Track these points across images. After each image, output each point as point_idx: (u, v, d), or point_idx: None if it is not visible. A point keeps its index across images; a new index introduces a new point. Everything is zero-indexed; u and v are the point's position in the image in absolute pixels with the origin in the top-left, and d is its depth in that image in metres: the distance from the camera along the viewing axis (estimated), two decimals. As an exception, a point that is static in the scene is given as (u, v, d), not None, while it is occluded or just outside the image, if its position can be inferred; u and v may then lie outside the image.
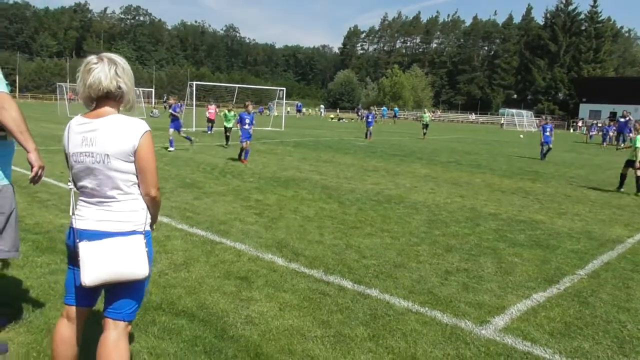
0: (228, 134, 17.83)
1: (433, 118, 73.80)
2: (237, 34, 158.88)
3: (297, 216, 7.19)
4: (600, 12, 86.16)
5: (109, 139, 2.29)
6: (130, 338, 3.23)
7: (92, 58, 2.34)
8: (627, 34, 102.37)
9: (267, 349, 3.30)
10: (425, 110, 32.37)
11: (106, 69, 2.30)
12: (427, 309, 4.12)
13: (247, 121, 13.30)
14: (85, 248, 2.30)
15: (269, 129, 30.13)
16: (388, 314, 3.96)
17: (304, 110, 68.85)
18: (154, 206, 2.48)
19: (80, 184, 2.40)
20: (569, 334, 3.80)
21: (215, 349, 3.26)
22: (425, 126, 29.21)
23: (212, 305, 3.93)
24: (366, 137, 25.72)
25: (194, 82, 29.13)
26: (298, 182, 10.29)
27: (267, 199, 8.38)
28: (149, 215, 2.45)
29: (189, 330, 3.49)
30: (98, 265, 2.28)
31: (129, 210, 2.36)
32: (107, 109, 2.36)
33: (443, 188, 10.63)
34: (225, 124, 18.07)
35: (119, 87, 2.33)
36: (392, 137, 29.16)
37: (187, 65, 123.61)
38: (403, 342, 3.51)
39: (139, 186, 2.39)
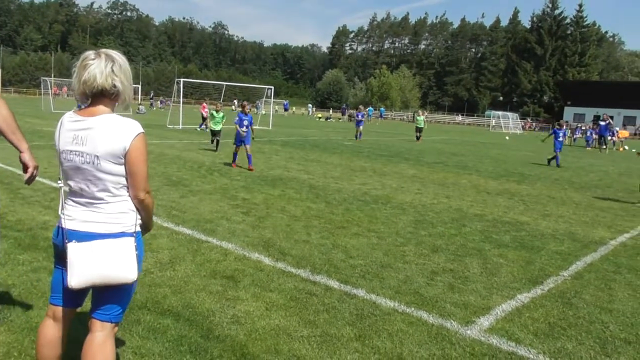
0: (218, 137, 15.52)
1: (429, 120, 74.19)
2: (226, 32, 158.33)
3: (284, 215, 7.18)
4: (586, 17, 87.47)
5: (100, 139, 2.22)
6: (115, 338, 3.20)
7: (90, 53, 2.27)
8: (611, 39, 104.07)
9: (253, 348, 3.29)
10: (420, 112, 29.11)
11: (102, 66, 2.23)
12: (413, 309, 4.13)
13: (246, 123, 11.97)
14: (73, 249, 2.25)
15: (257, 127, 30.00)
16: (374, 314, 3.97)
17: (293, 109, 68.88)
18: (143, 210, 2.40)
19: (69, 182, 2.34)
20: (553, 334, 3.85)
21: (201, 349, 3.24)
22: (420, 130, 27.26)
23: (197, 305, 3.90)
24: (356, 137, 25.12)
25: (182, 79, 28.91)
26: (285, 181, 10.27)
27: (254, 197, 8.35)
28: (138, 217, 2.39)
29: (174, 330, 3.46)
30: (86, 267, 2.23)
31: (117, 212, 2.30)
32: (101, 107, 2.28)
33: (429, 189, 10.69)
34: (212, 126, 15.65)
35: (114, 86, 2.26)
36: (379, 138, 29.24)
37: (175, 62, 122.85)
38: (389, 342, 3.52)
39: (128, 188, 2.33)
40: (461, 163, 16.85)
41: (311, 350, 3.33)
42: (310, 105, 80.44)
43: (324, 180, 10.87)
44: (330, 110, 65.26)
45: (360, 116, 25.69)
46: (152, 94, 68.06)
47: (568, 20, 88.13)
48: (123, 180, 2.29)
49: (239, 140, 12.02)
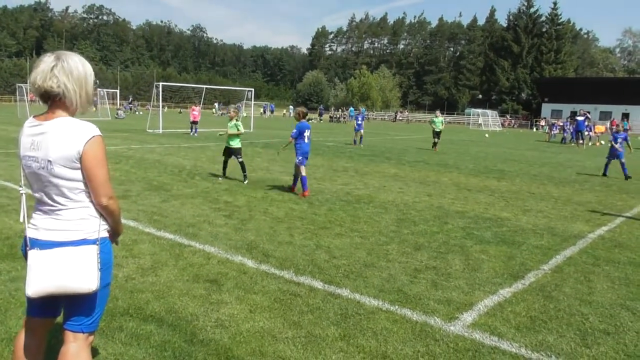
0: (238, 157, 10.33)
1: (447, 122, 74.34)
2: (204, 34, 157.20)
3: (267, 217, 7.16)
4: (560, 15, 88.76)
5: (52, 143, 2.12)
6: (96, 345, 3.16)
7: (46, 55, 2.18)
8: (585, 36, 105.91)
9: (238, 351, 3.27)
10: (438, 113, 23.30)
11: (44, 67, 2.12)
12: (397, 307, 4.16)
13: (307, 134, 9.32)
14: (32, 257, 2.18)
15: (238, 130, 29.86)
16: (359, 313, 3.99)
17: (274, 112, 68.88)
18: (109, 216, 2.30)
19: (32, 190, 2.27)
20: (534, 327, 3.90)
21: (185, 354, 3.21)
22: (437, 134, 21.87)
23: (181, 309, 3.87)
24: (355, 142, 22.35)
25: (160, 83, 28.62)
26: (267, 183, 10.25)
27: (236, 200, 8.31)
28: (102, 222, 2.29)
29: (158, 335, 3.43)
30: (42, 276, 2.15)
31: (77, 218, 2.21)
32: (57, 111, 2.19)
33: (411, 187, 10.76)
34: (230, 142, 10.39)
35: (56, 87, 2.13)
36: (361, 137, 29.30)
37: (153, 65, 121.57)
38: (374, 341, 3.53)
39: (89, 193, 2.23)
40: (442, 161, 16.99)
41: (296, 351, 3.33)
42: (291, 106, 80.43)
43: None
44: (319, 113, 65.16)
45: (360, 118, 22.73)
46: (130, 99, 67.30)
47: (543, 18, 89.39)
48: (81, 185, 2.20)
49: (303, 156, 9.26)
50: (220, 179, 10.37)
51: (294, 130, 9.25)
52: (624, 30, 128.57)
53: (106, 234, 2.32)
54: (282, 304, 4.09)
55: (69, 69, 2.15)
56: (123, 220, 2.48)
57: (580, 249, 6.34)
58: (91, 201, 2.24)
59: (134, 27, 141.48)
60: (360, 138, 22.36)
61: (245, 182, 9.97)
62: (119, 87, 68.10)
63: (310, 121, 51.12)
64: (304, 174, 9.11)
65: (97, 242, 2.24)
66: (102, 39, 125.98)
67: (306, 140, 9.26)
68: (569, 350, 3.56)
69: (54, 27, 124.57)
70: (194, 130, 23.97)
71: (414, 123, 70.33)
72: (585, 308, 4.35)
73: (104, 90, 43.38)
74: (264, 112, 67.79)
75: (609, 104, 64.58)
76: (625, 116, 64.54)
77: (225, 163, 10.68)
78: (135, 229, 6.16)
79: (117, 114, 40.72)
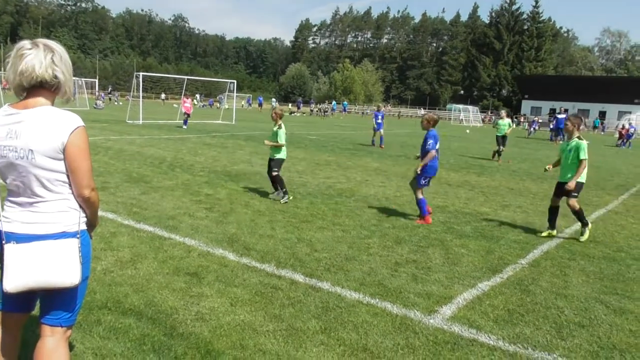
0: (274, 169, 8.16)
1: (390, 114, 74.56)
2: (186, 24, 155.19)
3: (248, 210, 7.13)
4: (542, 13, 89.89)
5: (35, 133, 2.07)
6: (73, 340, 3.11)
7: (26, 43, 2.11)
8: (565, 34, 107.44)
9: (218, 345, 3.26)
10: (504, 113, 18.21)
11: (41, 56, 2.08)
12: (377, 300, 4.19)
13: (438, 146, 7.35)
14: (10, 251, 2.11)
15: (220, 122, 29.67)
16: (339, 307, 4.00)
17: (259, 104, 68.27)
18: (89, 208, 2.27)
19: (6, 181, 2.20)
20: (512, 320, 3.97)
21: (165, 347, 3.19)
22: (502, 140, 17.29)
23: (160, 303, 3.84)
24: (373, 143, 19.84)
25: (141, 73, 28.20)
26: (249, 176, 10.20)
27: (217, 193, 8.26)
28: (82, 214, 2.25)
29: (137, 329, 3.39)
30: (22, 270, 2.09)
31: (57, 210, 2.16)
32: (39, 99, 2.13)
33: (393, 181, 10.82)
34: (272, 152, 8.24)
35: (55, 77, 2.12)
36: (343, 132, 29.37)
37: (133, 55, 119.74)
38: (354, 334, 3.55)
39: (69, 185, 2.18)
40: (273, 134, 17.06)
41: (277, 344, 3.33)
42: (273, 99, 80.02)
43: (288, 174, 10.83)
44: (314, 105, 64.70)
45: (380, 117, 19.67)
46: (110, 89, 66.19)
47: (525, 16, 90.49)
48: (62, 177, 2.16)
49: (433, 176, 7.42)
50: (274, 194, 8.20)
51: (431, 141, 7.04)
52: (603, 29, 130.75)
53: (85, 227, 2.29)
54: (263, 297, 4.08)
55: (65, 58, 2.17)
56: (101, 213, 2.45)
57: (557, 243, 6.46)
58: (71, 193, 2.20)
59: (114, 16, 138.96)
60: (381, 138, 19.47)
61: (283, 201, 7.83)
62: (97, 77, 66.95)
63: (292, 115, 50.42)
64: (421, 196, 7.23)
65: (78, 235, 2.21)
66: (80, 27, 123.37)
67: (438, 155, 7.38)
68: (545, 343, 3.63)
69: (29, 13, 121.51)
70: (186, 122, 23.54)
71: (395, 117, 70.61)
72: (561, 301, 4.44)
73: (82, 79, 42.52)
74: (250, 104, 67.28)
75: (587, 102, 65.70)
76: (602, 114, 65.86)
77: (270, 177, 8.31)
78: (114, 221, 6.08)
79: (95, 104, 40.03)
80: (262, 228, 6.21)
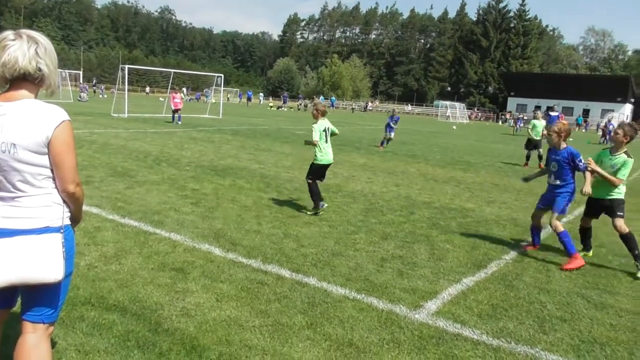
0: (308, 178, 7.21)
1: (416, 113, 74.36)
2: (173, 17, 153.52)
3: (235, 205, 7.10)
4: (528, 11, 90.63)
5: (18, 126, 2.03)
6: (55, 336, 3.08)
7: (9, 34, 2.07)
8: (551, 33, 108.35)
9: (204, 340, 3.25)
10: (539, 114, 16.16)
11: (25, 48, 2.04)
12: (363, 295, 4.20)
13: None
14: None
15: (207, 116, 29.47)
16: (326, 302, 4.01)
17: (229, 97, 67.85)
18: (73, 203, 2.24)
19: None
20: (496, 315, 4.01)
21: (149, 343, 3.17)
22: (534, 145, 15.34)
23: (145, 298, 3.81)
24: (382, 144, 18.09)
25: (126, 66, 27.89)
26: (236, 171, 10.16)
27: (203, 188, 8.21)
28: (66, 209, 2.22)
29: (121, 325, 3.36)
30: (4, 266, 2.05)
31: (40, 205, 2.13)
32: (22, 92, 2.09)
33: (380, 177, 10.85)
34: (319, 158, 7.13)
35: (39, 69, 2.07)
36: (330, 127, 29.33)
37: (119, 47, 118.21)
38: (340, 329, 3.56)
39: (53, 180, 2.15)
40: (410, 152, 17.19)
41: (263, 339, 3.33)
42: (261, 94, 79.73)
43: (275, 169, 10.83)
44: (314, 99, 64.49)
45: (395, 120, 18.36)
46: (94, 81, 65.34)
47: (511, 14, 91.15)
48: (46, 172, 2.12)
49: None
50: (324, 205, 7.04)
51: (580, 160, 5.61)
52: (588, 28, 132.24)
53: (69, 222, 2.25)
54: (249, 293, 4.08)
55: (50, 50, 2.12)
56: (85, 207, 2.42)
57: (541, 239, 6.53)
58: (55, 188, 2.16)
59: (99, 7, 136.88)
60: (388, 141, 18.09)
61: (311, 213, 6.90)
62: (82, 69, 66.00)
63: (279, 109, 50.05)
64: (562, 228, 5.60)
65: (62, 230, 2.18)
66: (64, 17, 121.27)
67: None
68: (528, 337, 3.68)
69: (11, 2, 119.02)
70: (176, 118, 22.31)
71: (382, 113, 70.79)
72: (543, 296, 4.50)
73: (66, 71, 41.90)
74: (240, 98, 66.88)
75: (571, 99, 66.49)
76: (586, 112, 66.69)
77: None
78: (99, 215, 6.02)
79: (79, 97, 39.51)
80: (249, 223, 6.19)
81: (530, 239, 6.16)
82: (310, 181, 7.03)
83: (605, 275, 5.23)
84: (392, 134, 18.19)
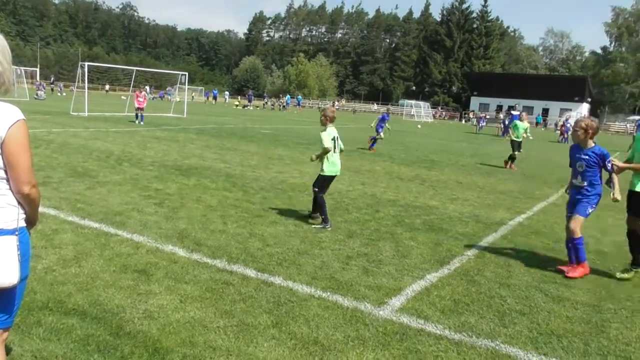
0: (315, 189, 6.68)
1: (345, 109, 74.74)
2: (135, 13, 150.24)
3: (200, 205, 7.02)
4: (490, 12, 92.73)
5: None
6: (10, 342, 2.98)
7: None
8: (512, 34, 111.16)
9: (167, 342, 3.20)
10: (524, 114, 16.71)
11: None
12: (329, 293, 4.22)
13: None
14: None
15: (171, 115, 28.98)
16: (291, 301, 4.01)
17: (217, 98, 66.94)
18: (28, 205, 2.17)
19: None
20: (458, 310, 4.10)
21: (110, 347, 3.10)
22: (518, 145, 15.30)
23: (106, 302, 3.73)
24: (372, 145, 17.60)
25: (86, 63, 27.13)
26: (201, 171, 10.03)
27: (167, 188, 8.08)
28: (21, 211, 2.15)
29: (80, 330, 3.28)
30: None
31: None
32: None
33: (345, 176, 10.90)
34: (325, 169, 6.65)
35: None
36: (297, 126, 29.35)
37: (78, 44, 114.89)
38: (306, 327, 3.57)
39: (7, 181, 2.08)
40: (376, 151, 17.34)
41: (227, 340, 3.31)
42: (227, 93, 78.91)
43: (241, 168, 10.75)
44: (284, 98, 63.63)
45: (386, 118, 18.41)
46: (52, 78, 63.32)
47: (474, 15, 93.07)
48: (0, 173, 2.06)
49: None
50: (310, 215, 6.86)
51: (605, 152, 5.25)
52: (547, 30, 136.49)
53: (24, 224, 2.18)
54: (214, 293, 4.04)
55: (3, 47, 2.02)
56: (42, 209, 2.34)
57: (502, 235, 6.72)
58: (9, 189, 2.09)
59: (56, 2, 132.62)
60: (375, 140, 17.76)
61: (318, 227, 6.31)
62: (38, 66, 63.88)
63: (245, 108, 49.55)
64: (580, 234, 5.34)
65: (16, 233, 2.10)
66: (18, 12, 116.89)
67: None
68: (489, 330, 3.77)
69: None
70: (140, 117, 21.57)
71: (348, 112, 71.21)
72: (503, 291, 4.62)
73: (22, 68, 40.52)
74: (207, 97, 65.94)
75: (532, 99, 68.43)
76: (545, 111, 68.76)
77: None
78: (57, 217, 5.84)
79: (36, 95, 38.21)
80: (214, 223, 6.13)
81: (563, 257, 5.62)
82: (320, 195, 6.45)
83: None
84: (382, 133, 18.12)
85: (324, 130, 6.56)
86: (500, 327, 3.85)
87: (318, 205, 6.50)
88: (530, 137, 17.78)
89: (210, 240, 5.44)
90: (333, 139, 6.50)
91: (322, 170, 6.54)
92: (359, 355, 3.26)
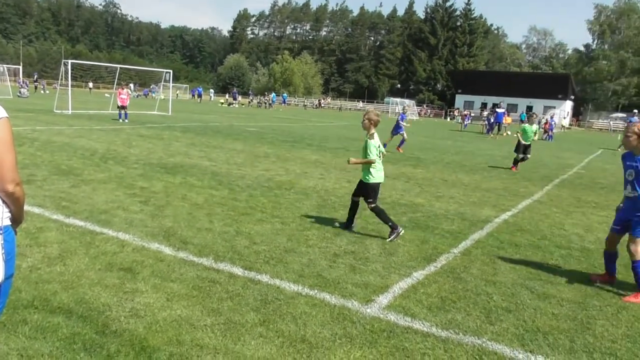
0: (370, 201, 6.21)
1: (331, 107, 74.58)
2: (118, 11, 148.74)
3: (186, 203, 6.98)
4: (473, 10, 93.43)
5: None
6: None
7: None
8: (496, 32, 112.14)
9: (154, 341, 3.18)
10: (534, 116, 15.83)
11: None
12: (316, 291, 4.23)
13: None
14: None
15: (155, 113, 28.72)
16: (278, 299, 4.01)
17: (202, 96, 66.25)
18: (13, 204, 2.14)
19: None
20: (444, 307, 4.14)
21: (96, 345, 3.07)
22: (524, 149, 14.51)
23: (92, 300, 3.69)
24: (396, 144, 17.29)
25: (69, 61, 26.77)
26: (186, 169, 9.96)
27: (153, 186, 8.01)
28: (5, 209, 2.12)
29: (66, 328, 3.24)
30: None
31: None
32: None
33: (332, 174, 10.92)
34: (366, 175, 6.22)
35: None
36: (283, 123, 29.29)
37: (61, 41, 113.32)
38: (293, 325, 3.57)
39: None
40: (362, 148, 17.33)
41: (214, 338, 3.30)
42: (211, 90, 78.41)
43: (227, 166, 10.70)
44: (227, 95, 63.13)
45: (402, 119, 17.97)
46: (35, 76, 62.33)
47: (458, 13, 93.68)
48: None
49: None
50: (337, 224, 6.52)
51: None
52: (530, 27, 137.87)
53: (9, 222, 2.15)
54: (201, 291, 4.02)
55: None
56: (27, 207, 2.31)
57: (487, 232, 6.78)
58: None
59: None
60: (403, 141, 17.32)
61: (390, 239, 5.91)
62: (21, 63, 62.83)
63: (231, 106, 49.30)
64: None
65: (0, 231, 2.08)
66: (0, 10, 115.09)
67: None
68: (475, 327, 3.81)
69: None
70: (123, 115, 21.32)
71: (334, 110, 71.26)
72: (490, 288, 4.67)
73: (4, 65, 39.87)
74: (199, 95, 65.20)
75: (516, 96, 69.12)
76: (529, 108, 69.51)
77: (353, 205, 6.39)
78: (41, 215, 5.76)
79: (19, 92, 37.61)
80: (200, 221, 6.10)
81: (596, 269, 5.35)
82: (373, 205, 6.07)
83: (547, 267, 5.48)
84: (404, 132, 17.49)
85: (371, 137, 6.10)
86: (487, 325, 3.89)
87: (380, 215, 6.08)
88: (536, 139, 17.22)
89: (196, 238, 5.41)
90: (378, 148, 6.15)
91: (368, 178, 6.09)
92: (346, 353, 3.27)
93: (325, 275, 4.61)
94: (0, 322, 2.63)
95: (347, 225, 6.30)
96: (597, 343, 3.73)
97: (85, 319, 3.40)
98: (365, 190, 6.15)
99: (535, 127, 15.07)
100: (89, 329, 3.27)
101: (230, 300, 3.90)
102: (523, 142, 14.44)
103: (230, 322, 3.53)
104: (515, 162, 14.55)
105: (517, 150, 14.58)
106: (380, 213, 6.07)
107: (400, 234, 5.97)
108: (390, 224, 5.98)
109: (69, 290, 3.84)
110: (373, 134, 6.13)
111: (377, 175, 6.11)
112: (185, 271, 4.43)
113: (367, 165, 6.10)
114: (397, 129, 17.61)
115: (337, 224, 6.47)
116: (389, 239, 5.89)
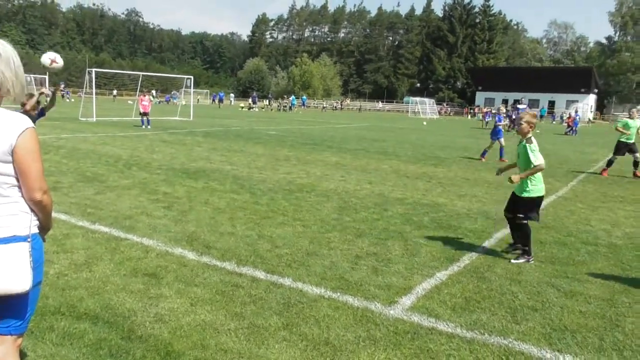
0: (522, 216, 5.50)
1: (386, 110, 74.40)
2: (140, 19, 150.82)
3: (208, 208, 7.04)
4: (492, 6, 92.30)
5: None
6: (24, 347, 3.00)
7: None
8: (515, 27, 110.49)
9: (178, 346, 3.21)
10: (635, 111, 13.07)
11: None
12: (338, 294, 4.22)
13: None
14: None
15: (177, 118, 29.09)
16: (301, 302, 4.01)
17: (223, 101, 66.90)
18: (41, 211, 2.19)
19: None
20: (469, 307, 4.08)
21: (122, 351, 3.12)
22: (627, 147, 12.68)
23: (117, 306, 3.75)
24: (484, 154, 15.40)
25: (93, 69, 27.31)
26: (208, 173, 10.06)
27: (175, 191, 8.11)
28: (34, 218, 2.18)
29: (92, 334, 3.30)
30: None
31: (6, 214, 2.08)
32: None
33: (352, 175, 10.90)
34: (524, 188, 5.52)
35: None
36: (303, 126, 29.36)
37: (86, 50, 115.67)
38: (316, 328, 3.57)
39: (19, 188, 2.10)
40: (382, 149, 17.31)
41: (238, 342, 3.31)
42: (232, 95, 79.09)
43: (248, 170, 10.77)
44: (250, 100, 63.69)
45: (499, 120, 15.82)
46: (62, 85, 63.72)
47: (476, 10, 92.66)
48: (11, 180, 2.08)
49: None
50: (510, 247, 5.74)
51: None
52: (550, 21, 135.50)
53: (37, 230, 2.20)
54: (224, 296, 4.05)
55: (7, 57, 2.03)
56: (53, 214, 2.36)
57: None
58: (21, 196, 2.11)
59: (64, 10, 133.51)
60: (501, 149, 15.23)
61: (517, 262, 5.28)
62: (47, 73, 64.22)
63: (251, 110, 49.59)
64: None
65: (29, 239, 2.12)
66: (28, 21, 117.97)
67: None
68: (501, 327, 3.75)
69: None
70: (146, 122, 21.75)
71: (353, 111, 71.13)
72: (515, 287, 4.59)
73: (32, 76, 40.84)
74: (214, 100, 65.92)
75: (537, 92, 68.02)
76: (551, 104, 68.29)
77: (509, 223, 5.75)
78: (67, 222, 5.88)
79: (46, 102, 38.49)
80: (223, 226, 6.14)
81: None
82: (525, 222, 5.40)
83: (573, 264, 5.37)
84: (502, 139, 15.28)
85: (529, 142, 5.39)
86: (513, 324, 3.82)
87: (523, 235, 5.41)
88: (424, 123, 17.44)
89: (219, 242, 5.45)
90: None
91: (528, 190, 5.38)
92: (370, 355, 3.25)
93: (347, 278, 4.59)
94: (28, 328, 2.68)
95: (528, 253, 5.39)
96: (627, 340, 3.64)
97: (111, 324, 3.45)
98: (522, 204, 5.43)
99: (638, 122, 12.81)
100: (115, 334, 3.32)
101: (254, 304, 3.92)
102: (626, 140, 12.50)
103: (254, 326, 3.55)
104: (610, 163, 12.84)
105: (617, 152, 12.58)
106: (528, 233, 5.37)
107: (530, 262, 5.29)
108: (528, 248, 5.35)
109: (95, 296, 3.90)
110: (530, 137, 5.44)
111: (539, 186, 5.41)
112: (209, 276, 4.47)
113: (527, 178, 5.35)
114: (496, 133, 15.40)
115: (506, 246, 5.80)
116: (515, 260, 5.29)
